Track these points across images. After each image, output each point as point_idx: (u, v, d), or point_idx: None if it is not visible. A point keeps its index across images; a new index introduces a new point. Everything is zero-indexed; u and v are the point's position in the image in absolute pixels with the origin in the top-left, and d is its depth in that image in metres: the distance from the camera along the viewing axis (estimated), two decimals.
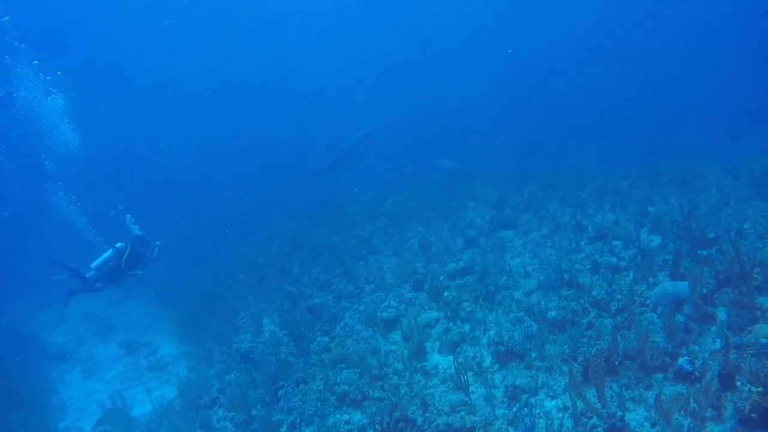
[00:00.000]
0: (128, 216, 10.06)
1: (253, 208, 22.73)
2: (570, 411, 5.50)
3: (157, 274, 11.30)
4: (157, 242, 10.07)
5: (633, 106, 23.55)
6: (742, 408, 4.63)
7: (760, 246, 7.25)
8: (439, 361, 7.35)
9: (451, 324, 7.96)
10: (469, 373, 6.63)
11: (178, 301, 14.94)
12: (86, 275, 8.94)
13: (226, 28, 41.57)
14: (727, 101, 21.13)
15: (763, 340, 5.38)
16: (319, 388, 7.56)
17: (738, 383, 5.04)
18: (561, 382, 6.07)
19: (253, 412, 7.72)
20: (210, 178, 30.07)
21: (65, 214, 12.32)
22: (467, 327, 7.74)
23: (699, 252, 7.58)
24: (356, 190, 19.56)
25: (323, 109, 37.34)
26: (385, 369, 7.48)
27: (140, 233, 9.85)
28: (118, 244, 9.47)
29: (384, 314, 8.87)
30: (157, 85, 41.24)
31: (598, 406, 5.31)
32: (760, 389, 4.48)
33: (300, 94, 40.74)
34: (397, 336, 8.38)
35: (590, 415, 5.34)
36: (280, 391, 7.94)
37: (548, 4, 39.81)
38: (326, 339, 9.06)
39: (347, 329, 9.21)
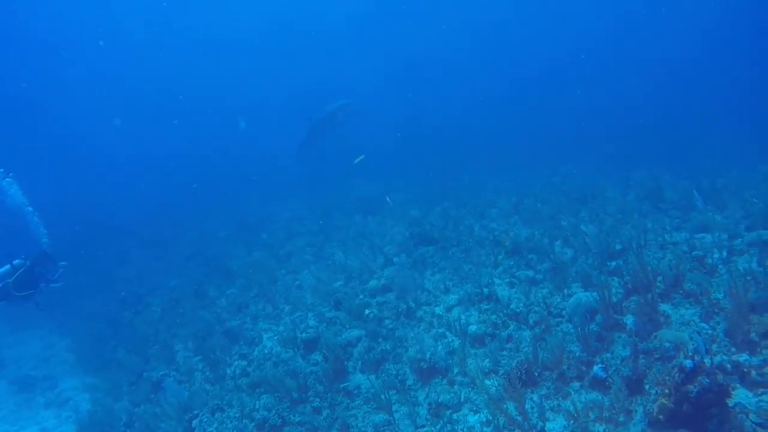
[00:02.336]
0: (7, 179, 9.08)
1: (165, 228, 21.64)
2: (493, 425, 5.50)
3: (59, 300, 10.34)
4: (63, 262, 9.25)
5: (549, 126, 24.94)
6: (650, 411, 4.80)
7: (661, 256, 7.71)
8: (362, 380, 7.18)
9: (373, 342, 7.83)
10: (392, 392, 6.53)
11: (82, 330, 13.79)
12: None
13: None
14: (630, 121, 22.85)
15: (666, 344, 5.67)
16: (237, 415, 7.20)
17: (646, 387, 5.26)
18: (483, 396, 6.08)
19: None
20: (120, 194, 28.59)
21: None
22: (389, 345, 7.64)
23: (608, 263, 7.95)
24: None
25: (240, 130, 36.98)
26: (306, 392, 7.23)
27: (46, 249, 9.01)
28: (16, 261, 8.59)
29: (304, 335, 8.61)
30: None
31: (520, 418, 5.35)
32: (666, 391, 4.66)
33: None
34: (318, 357, 8.13)
35: (512, 428, 5.37)
36: (194, 421, 7.49)
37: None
38: (244, 363, 8.76)
39: (266, 352, 8.91)
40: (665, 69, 30.74)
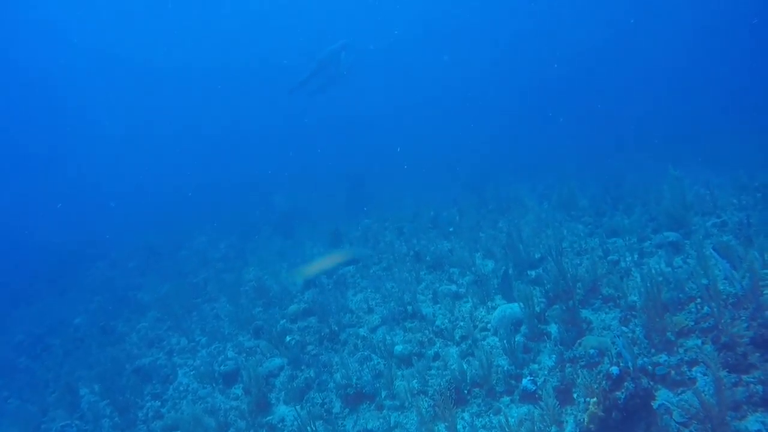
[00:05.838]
0: None
1: (69, 259, 19.97)
2: None
3: None
4: None
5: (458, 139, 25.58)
6: (581, 420, 4.75)
7: (578, 262, 7.86)
8: (286, 412, 6.76)
9: (296, 370, 7.43)
10: (318, 422, 6.17)
11: None
12: None
13: None
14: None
15: (591, 351, 5.69)
16: None
17: (575, 395, 5.23)
18: (413, 419, 5.85)
19: None
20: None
21: None
22: (313, 371, 7.26)
23: (528, 272, 8.01)
24: None
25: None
26: (227, 429, 6.73)
27: None
28: None
29: (222, 368, 8.07)
30: None
31: None
32: (594, 399, 4.63)
33: None
34: (238, 390, 7.63)
35: None
36: None
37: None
38: (157, 404, 8.14)
39: (181, 389, 8.29)
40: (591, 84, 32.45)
